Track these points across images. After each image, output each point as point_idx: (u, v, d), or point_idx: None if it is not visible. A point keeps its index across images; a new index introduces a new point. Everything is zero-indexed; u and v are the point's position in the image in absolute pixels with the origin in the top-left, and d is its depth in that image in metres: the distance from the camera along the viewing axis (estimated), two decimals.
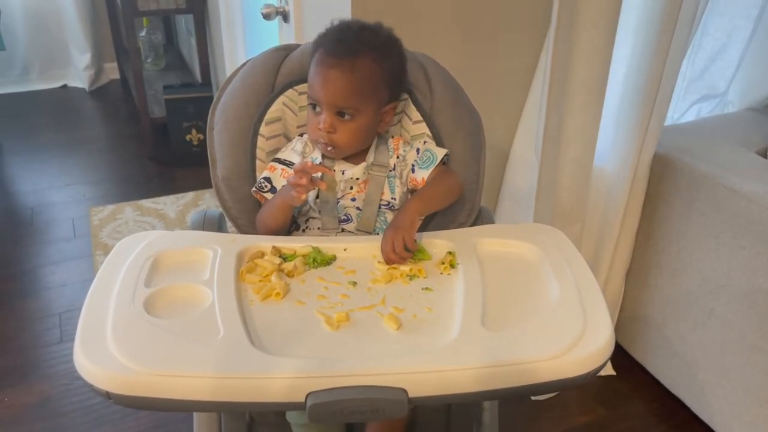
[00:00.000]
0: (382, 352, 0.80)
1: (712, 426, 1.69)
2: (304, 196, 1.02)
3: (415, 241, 1.02)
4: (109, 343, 0.77)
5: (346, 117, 1.09)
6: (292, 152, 1.17)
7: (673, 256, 1.71)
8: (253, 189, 1.16)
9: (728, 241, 1.54)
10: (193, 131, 2.96)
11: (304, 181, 1.00)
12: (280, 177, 1.14)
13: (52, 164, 3.06)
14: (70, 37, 3.80)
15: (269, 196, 1.14)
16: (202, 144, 2.97)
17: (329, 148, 1.12)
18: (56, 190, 2.82)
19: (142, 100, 3.00)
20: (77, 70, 3.88)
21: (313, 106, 1.11)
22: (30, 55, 3.86)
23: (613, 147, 1.70)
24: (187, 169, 2.99)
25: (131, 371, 0.74)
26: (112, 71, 4.03)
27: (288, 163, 1.15)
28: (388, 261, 1.00)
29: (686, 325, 1.70)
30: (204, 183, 2.64)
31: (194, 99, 2.91)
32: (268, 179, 1.14)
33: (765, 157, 1.73)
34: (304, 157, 1.16)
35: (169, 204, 2.70)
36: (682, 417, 1.77)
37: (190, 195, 2.76)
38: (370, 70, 1.08)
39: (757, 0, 1.80)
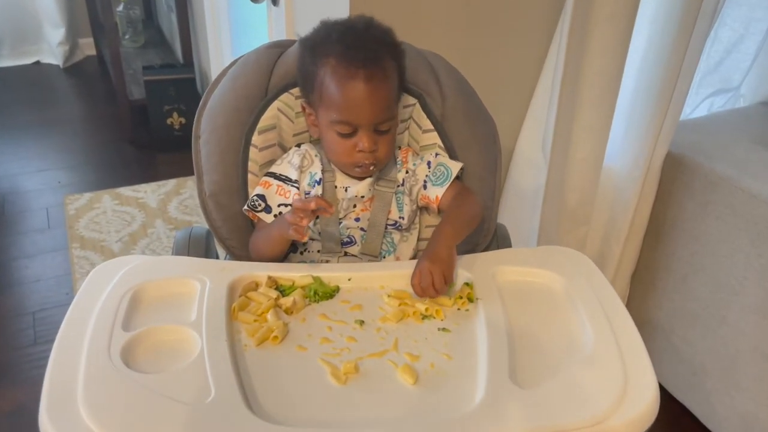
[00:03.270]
0: (397, 416, 0.70)
1: None
2: (305, 238, 0.91)
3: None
4: (80, 407, 0.67)
5: (385, 129, 0.98)
6: (288, 166, 1.05)
7: (684, 261, 1.64)
8: (245, 208, 1.04)
9: (744, 248, 1.47)
10: (175, 114, 2.82)
11: (305, 222, 0.88)
12: (276, 194, 1.03)
13: (24, 147, 2.91)
14: (42, 11, 3.62)
15: (264, 216, 1.02)
16: (185, 128, 2.84)
17: (371, 168, 1.01)
18: (29, 176, 2.68)
19: (120, 81, 2.84)
20: (50, 45, 3.70)
21: (347, 131, 0.97)
22: (0, 30, 3.65)
23: (623, 145, 1.63)
24: (168, 155, 2.86)
25: None
26: (87, 47, 3.84)
27: (284, 179, 1.03)
28: (422, 295, 0.89)
29: (695, 332, 1.64)
30: (187, 170, 2.52)
31: (176, 81, 2.77)
32: (261, 197, 1.02)
33: None
34: (302, 171, 1.04)
35: (150, 192, 2.57)
36: (686, 424, 1.73)
37: (171, 182, 2.63)
38: (393, 70, 0.98)
39: None
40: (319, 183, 1.04)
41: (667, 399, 1.77)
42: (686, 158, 1.60)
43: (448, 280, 0.90)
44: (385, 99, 0.96)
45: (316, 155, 1.06)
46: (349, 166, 1.02)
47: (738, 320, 1.52)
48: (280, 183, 1.03)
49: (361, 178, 1.05)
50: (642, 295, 1.79)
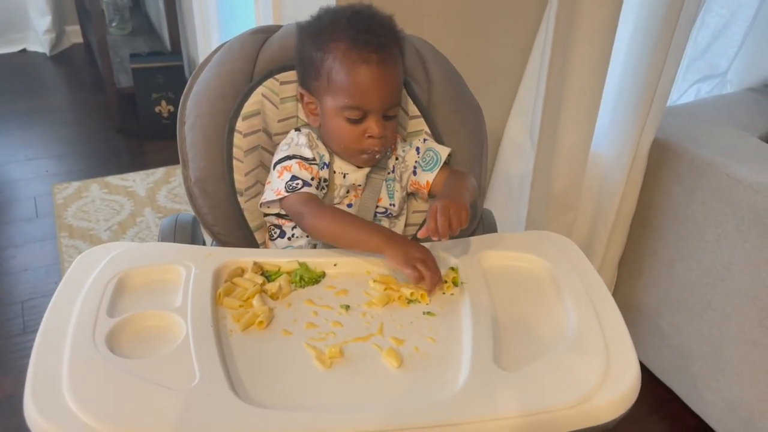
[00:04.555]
0: (381, 399, 0.70)
1: (705, 419, 1.66)
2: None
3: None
4: (65, 393, 0.66)
5: (392, 115, 0.98)
6: (299, 147, 1.02)
7: (671, 246, 1.65)
8: (284, 195, 0.99)
9: (730, 233, 1.48)
10: (163, 103, 2.80)
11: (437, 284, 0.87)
12: (302, 170, 0.99)
13: (11, 136, 2.88)
14: None
15: (309, 190, 0.98)
16: (173, 116, 2.82)
17: (377, 156, 1.00)
18: (16, 165, 2.66)
19: (108, 69, 2.82)
20: (37, 33, 3.65)
21: (358, 115, 0.96)
22: None
23: (610, 131, 1.63)
24: (157, 143, 2.84)
25: (91, 430, 0.63)
26: (74, 34, 3.80)
27: (299, 157, 1.00)
28: (435, 233, 0.87)
29: (681, 316, 1.65)
30: (175, 158, 2.48)
31: (163, 68, 2.74)
32: (294, 177, 0.99)
33: None
34: (311, 150, 1.02)
35: (139, 181, 2.56)
36: (673, 407, 1.75)
37: (160, 171, 2.62)
38: (399, 56, 0.99)
39: None
40: (327, 166, 1.03)
41: (654, 383, 1.78)
42: (673, 144, 1.60)
43: (463, 222, 0.88)
44: (395, 84, 0.96)
45: (317, 138, 1.05)
46: (355, 153, 1.01)
47: (724, 305, 1.53)
48: (300, 160, 1.00)
49: (359, 167, 1.04)
50: (629, 280, 1.80)
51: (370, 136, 0.97)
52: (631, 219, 1.73)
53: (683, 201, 1.59)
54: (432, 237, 0.88)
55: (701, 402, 1.65)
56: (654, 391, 1.79)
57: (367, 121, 0.96)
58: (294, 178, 0.99)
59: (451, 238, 0.90)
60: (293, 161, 1.00)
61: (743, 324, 1.49)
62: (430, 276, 0.85)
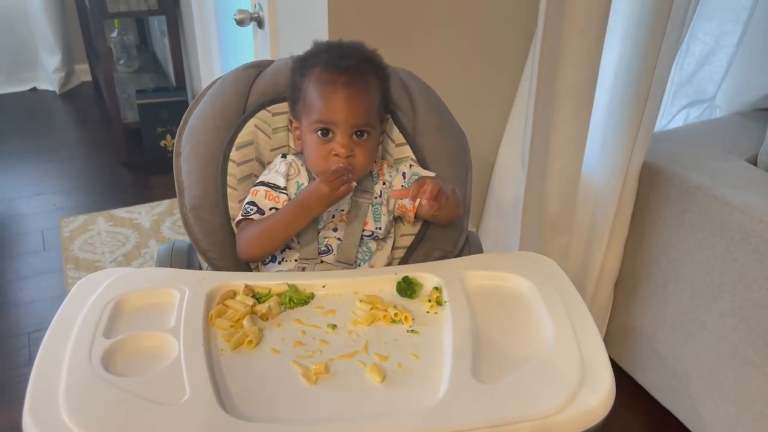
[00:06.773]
0: (363, 412, 0.73)
1: None
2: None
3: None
4: (62, 410, 0.70)
5: (363, 137, 1.03)
6: (275, 174, 1.08)
7: (663, 268, 1.67)
8: (239, 218, 1.06)
9: (720, 254, 1.50)
10: (168, 137, 2.87)
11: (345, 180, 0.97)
12: (265, 199, 1.06)
13: (20, 172, 2.95)
14: (38, 38, 3.66)
15: (256, 217, 1.05)
16: None
17: (347, 179, 1.03)
18: (24, 200, 2.72)
19: (115, 105, 2.90)
20: (47, 72, 3.74)
21: (324, 132, 1.02)
22: None
23: (601, 155, 1.66)
24: (162, 176, 2.90)
25: None
26: (83, 73, 3.89)
27: (272, 186, 1.06)
28: (416, 197, 0.97)
29: (677, 338, 1.66)
30: None
31: (168, 104, 2.82)
32: (252, 203, 1.06)
33: (755, 165, 1.69)
34: (288, 179, 1.08)
35: (144, 213, 2.61)
36: (671, 428, 1.74)
37: (165, 203, 2.67)
38: (376, 85, 1.04)
39: (746, 3, 1.75)
40: None
41: (653, 405, 1.79)
42: (663, 168, 1.62)
43: (439, 206, 0.97)
44: (363, 105, 1.01)
45: (302, 165, 1.10)
46: (323, 173, 1.04)
47: (717, 325, 1.54)
48: (268, 189, 1.06)
49: None
50: (625, 302, 1.81)
51: (335, 154, 1.02)
52: (625, 242, 1.75)
53: (674, 223, 1.61)
54: (402, 197, 1.01)
55: (699, 423, 1.65)
56: (653, 414, 1.79)
57: (334, 141, 1.02)
58: (252, 204, 1.06)
59: (439, 256, 0.94)
60: (263, 188, 1.07)
61: (737, 344, 1.50)
62: (348, 186, 0.98)
